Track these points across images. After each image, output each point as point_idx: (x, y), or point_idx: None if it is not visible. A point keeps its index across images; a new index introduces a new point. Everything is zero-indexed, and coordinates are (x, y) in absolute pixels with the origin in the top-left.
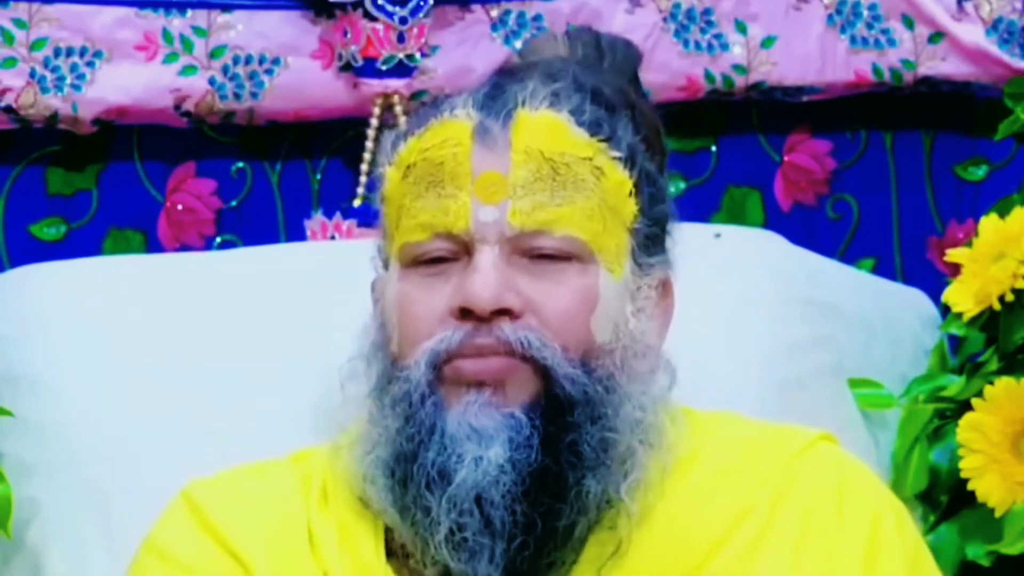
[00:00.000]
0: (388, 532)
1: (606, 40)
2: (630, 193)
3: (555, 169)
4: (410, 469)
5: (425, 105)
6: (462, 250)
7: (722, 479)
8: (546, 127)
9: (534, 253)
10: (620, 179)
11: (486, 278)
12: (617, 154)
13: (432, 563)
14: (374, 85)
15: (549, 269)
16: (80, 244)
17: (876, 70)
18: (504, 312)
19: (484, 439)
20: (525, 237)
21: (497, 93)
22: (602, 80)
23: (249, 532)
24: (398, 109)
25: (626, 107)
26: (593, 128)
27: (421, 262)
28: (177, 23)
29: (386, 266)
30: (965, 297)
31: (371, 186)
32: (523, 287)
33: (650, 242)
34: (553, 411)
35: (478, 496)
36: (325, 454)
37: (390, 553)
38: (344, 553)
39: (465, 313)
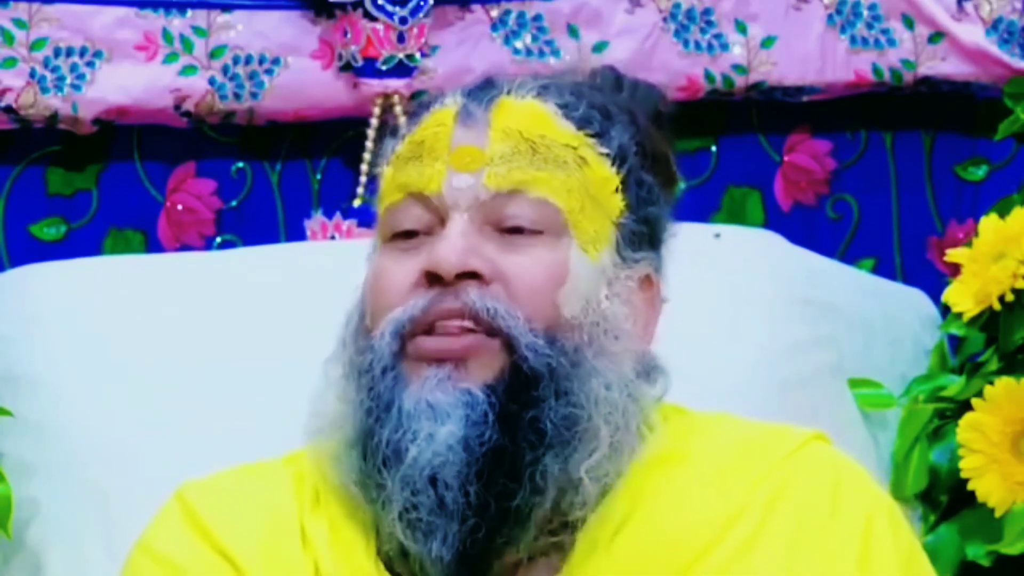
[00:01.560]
0: (379, 529)
1: (628, 80)
2: (616, 190)
3: (534, 148)
4: (369, 445)
5: (422, 106)
6: (436, 222)
7: (714, 479)
8: (529, 113)
9: (506, 224)
10: (605, 174)
11: (453, 243)
12: (605, 150)
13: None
14: (374, 85)
15: (520, 242)
16: (80, 244)
17: (876, 70)
18: (471, 276)
19: (439, 415)
20: (499, 201)
21: (487, 84)
22: (608, 99)
23: (241, 533)
24: (398, 109)
25: (629, 124)
26: (581, 123)
27: (397, 235)
28: (177, 23)
29: None
30: (965, 297)
31: (371, 186)
32: (493, 255)
33: (637, 238)
34: (516, 387)
35: (432, 476)
36: (312, 453)
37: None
38: (336, 552)
39: (433, 279)
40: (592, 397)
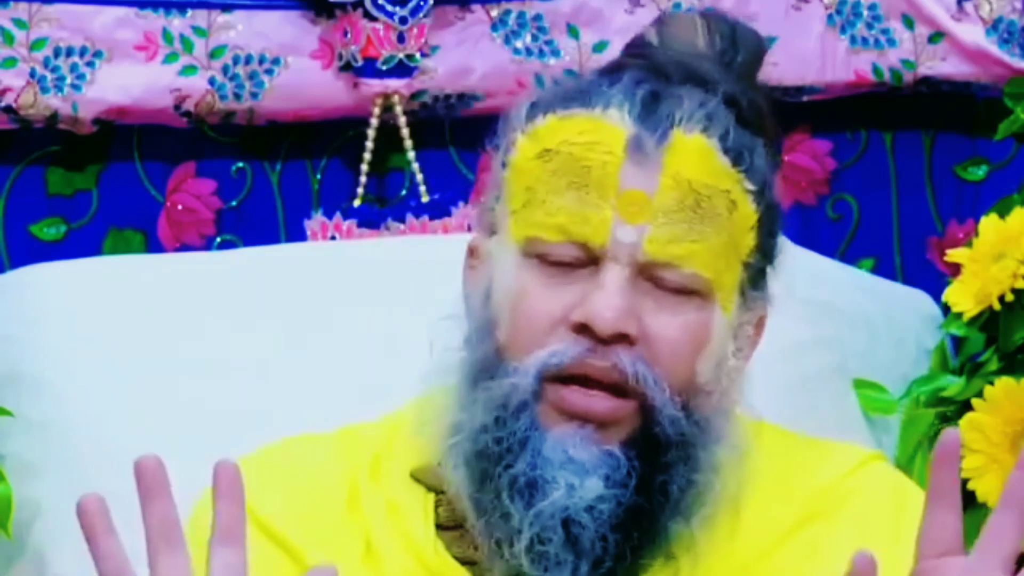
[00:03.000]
0: (438, 506)
1: (740, 31)
2: (752, 227)
3: (698, 201)
4: (494, 471)
5: (572, 81)
6: (589, 260)
7: (776, 489)
8: (697, 153)
9: (659, 284)
10: (748, 212)
11: (612, 299)
12: (751, 187)
13: (494, 553)
14: (374, 85)
15: (671, 300)
16: (80, 244)
17: (876, 70)
18: (622, 337)
19: (580, 471)
20: (655, 266)
21: (653, 104)
22: (743, 91)
23: (288, 511)
24: (398, 109)
25: (759, 128)
26: (736, 158)
27: (546, 261)
28: (177, 23)
29: (490, 232)
30: (965, 297)
31: (371, 186)
32: (643, 313)
33: (759, 276)
34: (649, 450)
35: (566, 519)
36: (380, 428)
37: (439, 527)
38: (392, 526)
39: (584, 329)
40: (715, 463)
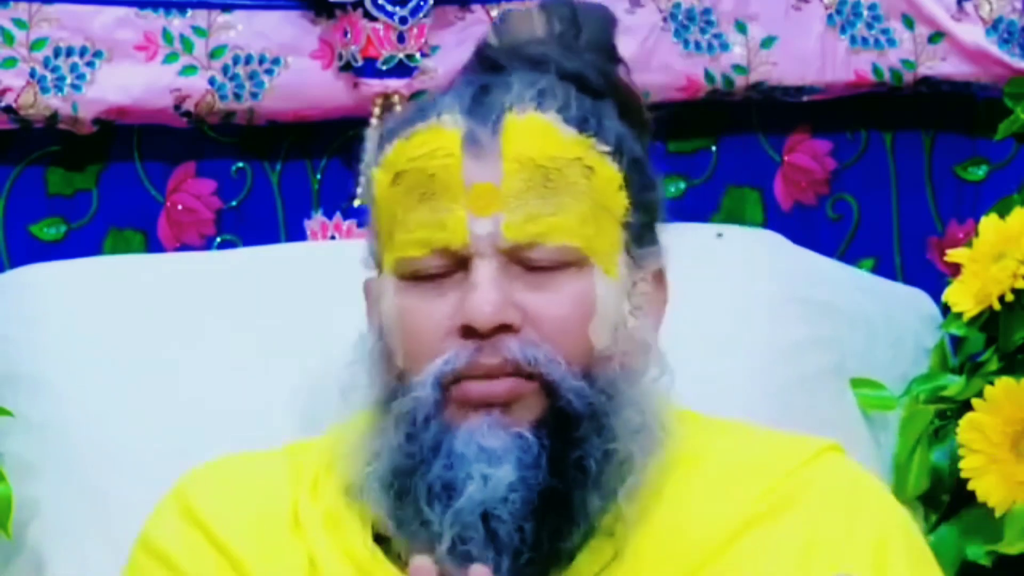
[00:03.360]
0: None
1: (582, 11)
2: (620, 187)
3: (547, 175)
4: (409, 483)
5: (409, 104)
6: (458, 263)
7: (727, 484)
8: (535, 130)
9: (530, 264)
10: (610, 174)
11: (485, 295)
12: (605, 148)
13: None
14: (374, 85)
15: (545, 277)
16: (80, 244)
17: (876, 70)
18: (505, 327)
19: (493, 459)
20: (520, 249)
21: (483, 96)
22: (584, 63)
23: (234, 522)
24: (398, 109)
25: (609, 90)
26: (580, 124)
27: (420, 277)
28: (177, 23)
29: (379, 268)
30: (965, 297)
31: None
32: (521, 298)
33: (643, 232)
34: (560, 428)
35: (484, 512)
36: (319, 447)
37: (377, 539)
38: (331, 539)
39: (468, 331)
40: (629, 427)
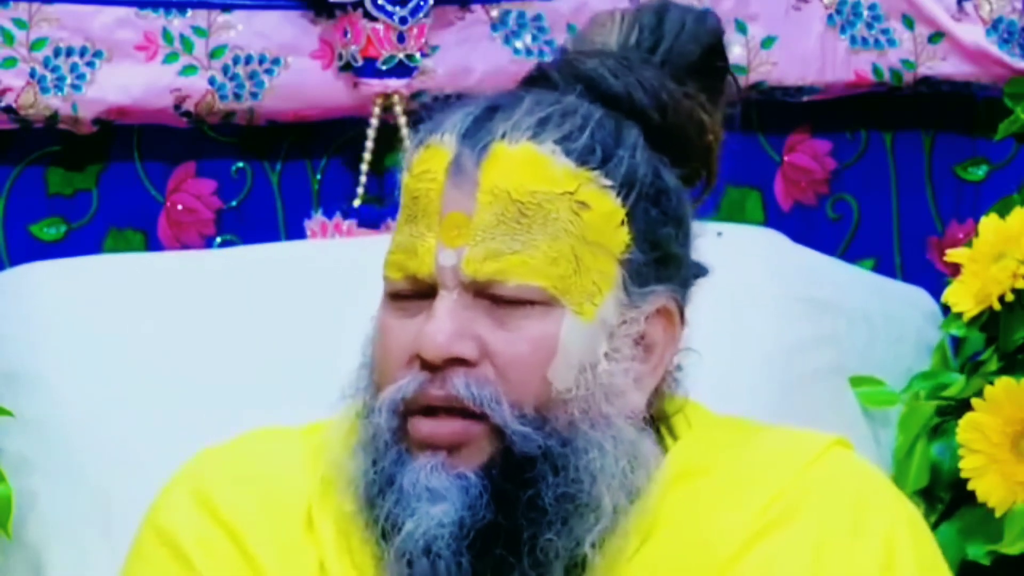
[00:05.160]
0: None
1: (672, 18)
2: (621, 222)
3: (522, 211)
4: (371, 515)
5: (437, 107)
6: (427, 290)
7: (734, 495)
8: (522, 163)
9: (495, 298)
10: (609, 209)
11: (439, 326)
12: (609, 182)
13: None
14: (374, 85)
15: (510, 313)
16: (80, 244)
17: (876, 70)
18: (458, 361)
19: (436, 497)
20: (480, 284)
21: (483, 120)
22: (636, 79)
23: (251, 516)
24: (398, 109)
25: (656, 109)
26: (583, 156)
27: (397, 297)
28: (177, 23)
29: None
30: (965, 297)
31: (371, 186)
32: (482, 332)
33: (646, 269)
34: (510, 469)
35: (426, 547)
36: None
37: None
38: (341, 546)
39: (423, 361)
40: (591, 470)
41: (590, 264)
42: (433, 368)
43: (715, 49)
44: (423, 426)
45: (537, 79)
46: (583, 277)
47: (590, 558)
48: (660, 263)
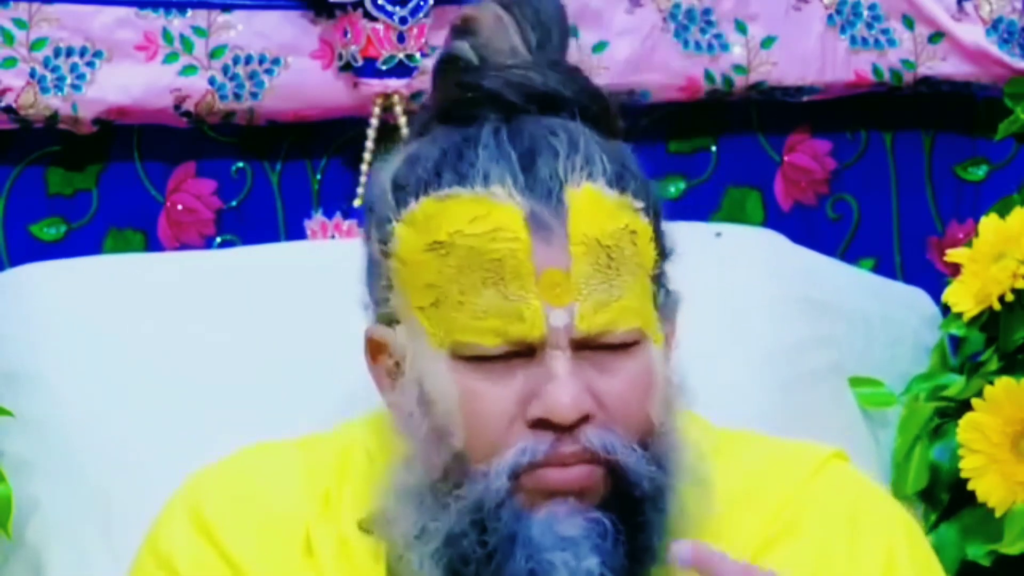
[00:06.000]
0: (389, 554)
1: (542, 8)
2: (651, 239)
3: (609, 255)
4: (472, 571)
5: (426, 144)
6: (527, 349)
7: (735, 511)
8: (592, 205)
9: (600, 348)
10: (643, 228)
11: (566, 389)
12: (640, 204)
13: None
14: (374, 85)
15: (613, 359)
16: (80, 244)
17: (876, 70)
18: (584, 418)
19: (572, 548)
20: (591, 338)
21: (532, 165)
22: (574, 81)
23: (244, 535)
24: (398, 109)
25: (601, 108)
26: (620, 183)
27: (483, 358)
28: (177, 23)
29: (388, 322)
30: (965, 297)
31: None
32: (591, 382)
33: (666, 279)
34: (626, 510)
35: None
36: (331, 446)
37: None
38: (342, 568)
39: (544, 423)
40: (676, 499)
41: (647, 291)
42: (562, 429)
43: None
44: (552, 475)
45: (487, 102)
46: (648, 304)
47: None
48: (665, 270)
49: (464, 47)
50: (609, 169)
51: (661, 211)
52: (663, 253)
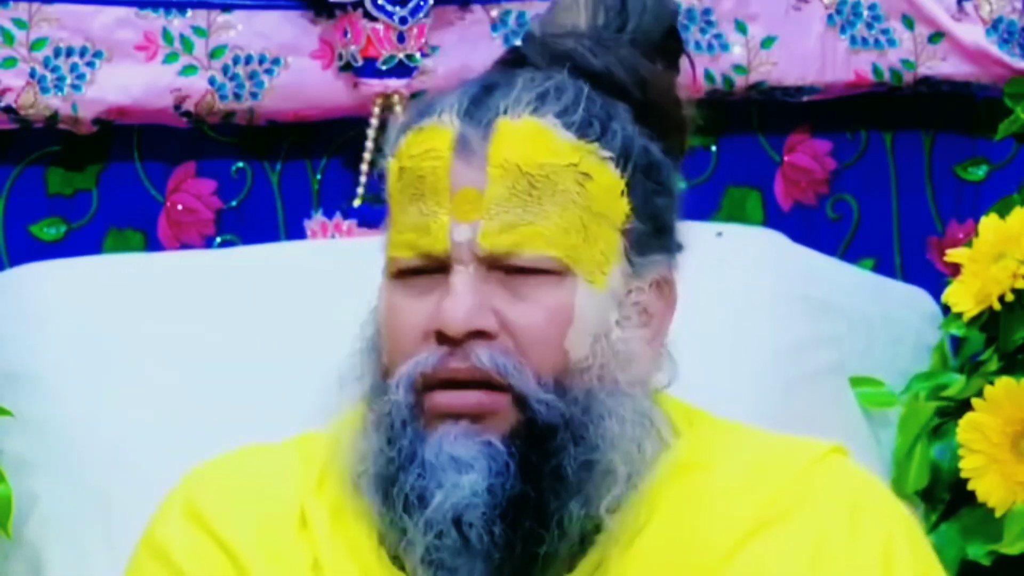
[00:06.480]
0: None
1: (633, 1)
2: (621, 193)
3: (532, 183)
4: (391, 491)
5: (425, 96)
6: (442, 266)
7: (734, 490)
8: (527, 136)
9: (510, 269)
10: (610, 180)
11: (459, 301)
12: (608, 154)
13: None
14: (374, 85)
15: (525, 284)
16: (80, 244)
17: (876, 70)
18: (478, 334)
19: (462, 467)
20: (497, 257)
21: (483, 97)
22: (613, 60)
23: (239, 521)
24: (398, 109)
25: (637, 88)
26: (582, 129)
27: (406, 273)
28: (177, 23)
29: None
30: (965, 297)
31: (371, 186)
32: (499, 304)
33: (646, 239)
34: (533, 439)
35: (456, 518)
36: (324, 440)
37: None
38: (336, 535)
39: (442, 336)
40: (608, 437)
41: (597, 234)
42: (453, 342)
43: (673, 29)
44: (444, 397)
45: (514, 61)
46: (592, 247)
47: (606, 523)
48: (657, 233)
49: (535, 23)
50: (577, 112)
51: (658, 175)
52: (650, 215)
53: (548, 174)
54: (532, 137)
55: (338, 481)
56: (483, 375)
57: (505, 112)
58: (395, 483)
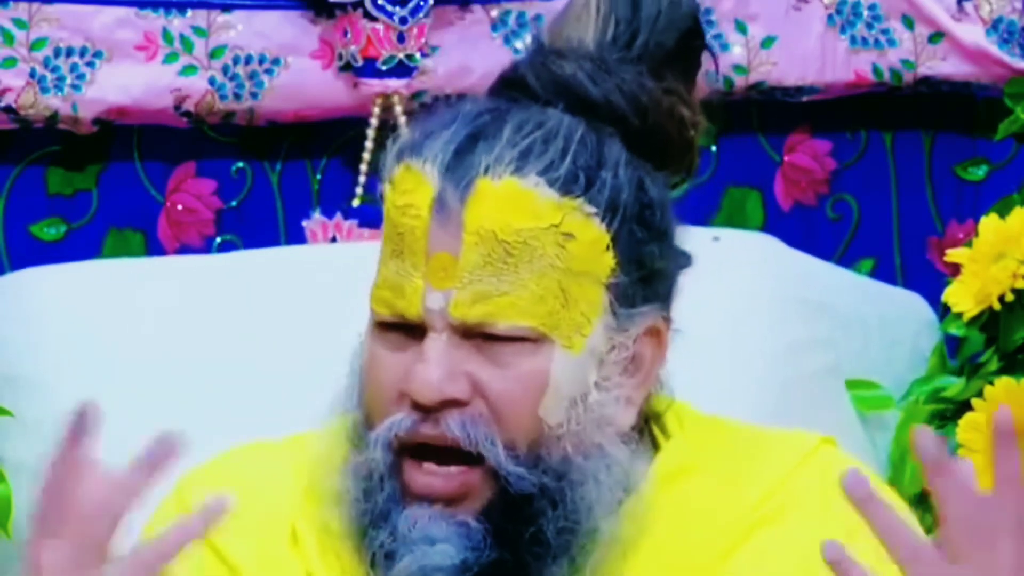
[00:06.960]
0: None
1: (648, 5)
2: (606, 247)
3: (508, 251)
4: (362, 541)
5: (421, 116)
6: (416, 327)
7: (724, 491)
8: (506, 200)
9: (487, 337)
10: (595, 236)
11: (430, 370)
12: (593, 209)
13: None
14: (374, 85)
15: (501, 351)
16: (80, 244)
17: (876, 70)
18: (451, 401)
19: (436, 542)
20: (469, 327)
21: (466, 150)
22: (616, 83)
23: (234, 531)
24: (398, 109)
25: (637, 115)
26: (567, 185)
27: (385, 326)
28: (177, 23)
29: None
30: (965, 297)
31: (371, 186)
32: (474, 369)
33: (633, 291)
34: (508, 509)
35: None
36: (312, 453)
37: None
38: (327, 552)
39: (414, 401)
40: (587, 501)
41: (578, 295)
42: (425, 409)
43: (692, 31)
44: (419, 478)
45: (514, 82)
46: (571, 310)
47: (600, 534)
48: (645, 281)
49: (544, 32)
50: (559, 168)
51: (651, 220)
52: (638, 264)
53: (526, 240)
54: (511, 201)
55: (322, 502)
56: (453, 443)
57: (486, 171)
58: (365, 536)
